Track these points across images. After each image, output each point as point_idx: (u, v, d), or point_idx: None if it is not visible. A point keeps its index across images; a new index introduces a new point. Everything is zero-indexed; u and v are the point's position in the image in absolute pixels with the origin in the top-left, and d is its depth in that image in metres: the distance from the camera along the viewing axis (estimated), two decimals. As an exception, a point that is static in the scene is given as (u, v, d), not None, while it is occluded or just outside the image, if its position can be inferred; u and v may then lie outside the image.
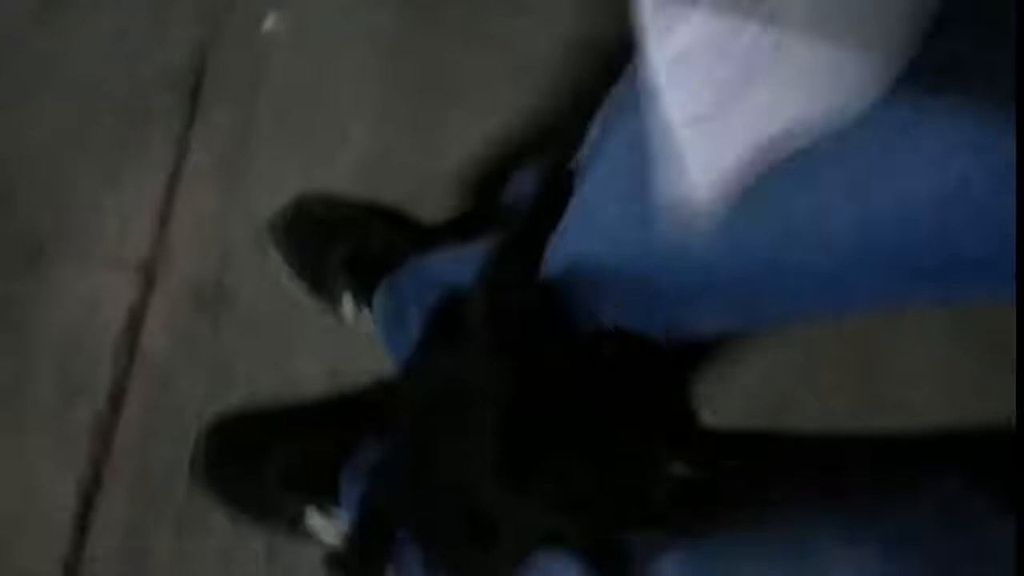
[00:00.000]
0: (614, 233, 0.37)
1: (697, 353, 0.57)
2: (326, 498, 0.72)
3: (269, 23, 0.85)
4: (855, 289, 0.31)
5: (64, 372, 0.79)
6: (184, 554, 0.78)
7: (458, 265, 0.58)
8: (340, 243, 0.78)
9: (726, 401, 0.61)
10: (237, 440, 0.77)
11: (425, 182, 0.83)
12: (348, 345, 0.80)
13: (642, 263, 0.37)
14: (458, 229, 0.79)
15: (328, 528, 0.74)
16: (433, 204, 0.82)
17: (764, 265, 0.32)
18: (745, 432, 0.50)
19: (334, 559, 0.66)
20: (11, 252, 0.80)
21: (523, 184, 0.45)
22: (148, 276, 0.80)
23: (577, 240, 0.41)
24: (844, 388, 0.60)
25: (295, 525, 0.75)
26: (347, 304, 0.77)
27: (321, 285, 0.79)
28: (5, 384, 0.79)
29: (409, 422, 0.48)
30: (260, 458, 0.75)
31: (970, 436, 0.33)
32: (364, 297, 0.75)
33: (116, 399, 0.79)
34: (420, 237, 0.79)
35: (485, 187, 0.83)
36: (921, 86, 0.26)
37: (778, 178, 0.29)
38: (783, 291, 0.34)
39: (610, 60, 0.41)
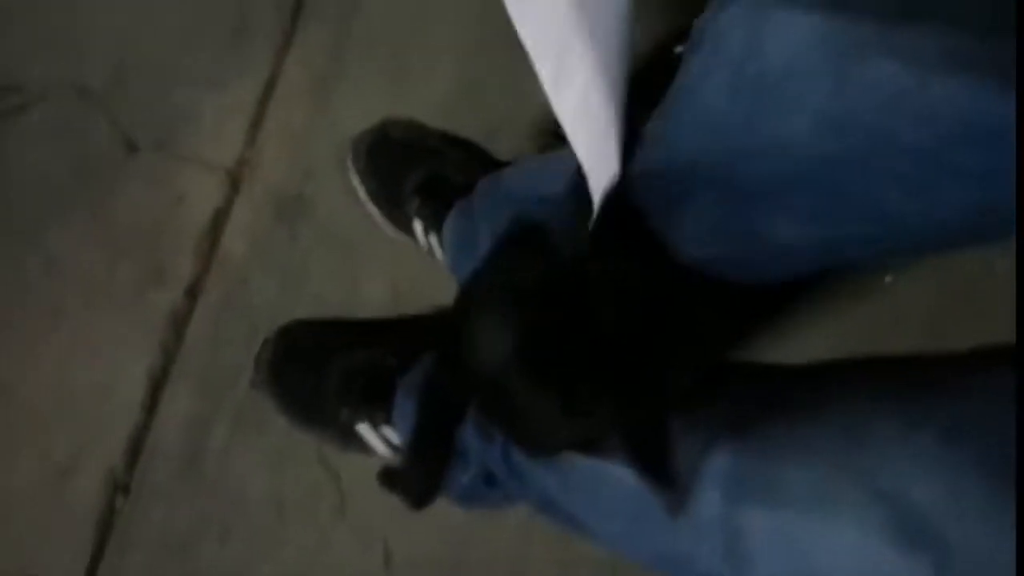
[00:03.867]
0: (712, 121, 0.38)
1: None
2: (379, 412, 0.75)
3: (375, -51, 0.87)
4: (951, 176, 0.31)
5: (146, 263, 0.83)
6: (239, 450, 0.81)
7: (534, 177, 0.59)
8: (418, 168, 0.80)
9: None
10: (301, 346, 0.80)
11: (508, 122, 0.84)
12: (415, 269, 0.82)
13: (735, 154, 0.37)
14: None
15: (378, 443, 0.76)
16: (517, 144, 0.83)
17: (859, 141, 0.32)
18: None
19: (389, 473, 0.68)
20: (110, 142, 0.84)
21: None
22: (234, 180, 0.83)
23: (675, 133, 0.41)
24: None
25: (347, 434, 0.77)
26: (418, 229, 0.78)
27: (395, 207, 0.81)
28: (90, 268, 0.84)
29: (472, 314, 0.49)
30: (321, 366, 0.78)
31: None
32: (435, 223, 0.77)
33: (192, 294, 0.82)
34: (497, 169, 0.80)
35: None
36: None
37: (882, 46, 0.29)
38: (874, 177, 0.33)
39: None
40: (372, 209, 0.82)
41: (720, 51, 0.36)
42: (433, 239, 0.77)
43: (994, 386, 0.32)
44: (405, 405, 0.71)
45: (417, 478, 0.65)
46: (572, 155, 0.50)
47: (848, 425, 0.35)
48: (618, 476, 0.48)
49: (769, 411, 0.40)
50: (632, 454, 0.47)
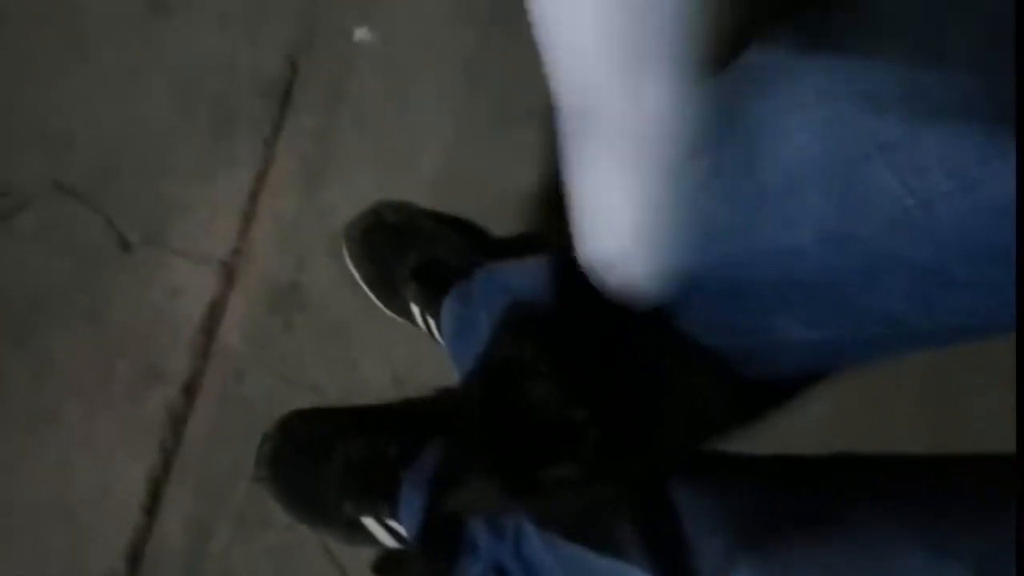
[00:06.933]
0: (709, 228, 0.37)
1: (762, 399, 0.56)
2: (384, 505, 0.73)
3: (358, 35, 0.88)
4: (958, 289, 0.31)
5: (142, 361, 0.82)
6: (242, 549, 0.79)
7: (532, 273, 0.59)
8: (412, 251, 0.79)
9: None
10: (302, 439, 0.78)
11: (500, 199, 0.84)
12: (414, 353, 0.81)
13: (736, 260, 0.37)
14: (530, 244, 0.80)
15: (384, 535, 0.74)
16: (507, 221, 0.83)
17: (862, 256, 0.32)
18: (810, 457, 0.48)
19: (393, 560, 0.66)
20: (101, 240, 0.83)
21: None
22: (228, 273, 0.83)
23: (672, 238, 0.41)
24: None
25: (352, 528, 0.75)
26: (415, 312, 0.78)
27: (391, 292, 0.80)
28: (86, 369, 0.82)
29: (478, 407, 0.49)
30: (322, 458, 0.76)
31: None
32: (432, 307, 0.76)
33: (190, 391, 0.81)
34: (492, 250, 0.79)
35: (559, 207, 0.83)
36: None
37: (881, 163, 0.29)
38: (878, 288, 0.33)
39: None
40: (368, 294, 0.81)
41: (716, 164, 0.36)
42: (431, 322, 0.77)
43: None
44: (411, 499, 0.69)
45: (424, 570, 0.64)
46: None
47: (870, 548, 0.34)
48: None
49: (788, 522, 0.38)
50: (650, 554, 0.46)
